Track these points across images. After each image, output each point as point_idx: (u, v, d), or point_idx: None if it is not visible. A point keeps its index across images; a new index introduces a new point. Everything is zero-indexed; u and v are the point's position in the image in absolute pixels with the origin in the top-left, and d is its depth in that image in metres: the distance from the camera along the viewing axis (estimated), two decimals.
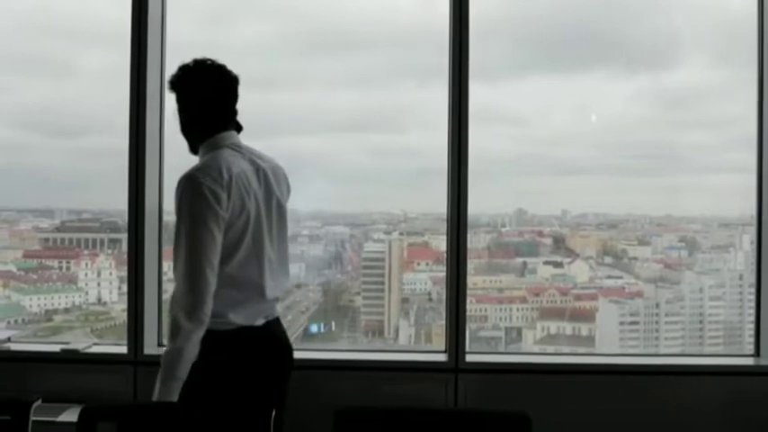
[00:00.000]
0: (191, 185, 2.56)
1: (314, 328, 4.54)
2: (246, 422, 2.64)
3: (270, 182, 2.80)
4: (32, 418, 2.46)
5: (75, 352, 3.85)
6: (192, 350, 2.51)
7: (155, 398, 2.53)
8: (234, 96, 2.83)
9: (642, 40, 4.25)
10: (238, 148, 2.77)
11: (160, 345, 3.97)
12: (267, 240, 2.72)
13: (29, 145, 4.29)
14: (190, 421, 2.44)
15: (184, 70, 2.79)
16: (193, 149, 2.80)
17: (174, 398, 2.50)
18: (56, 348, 3.88)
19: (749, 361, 3.97)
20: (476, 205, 3.89)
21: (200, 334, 2.51)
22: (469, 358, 3.82)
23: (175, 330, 2.51)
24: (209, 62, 2.80)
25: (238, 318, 2.64)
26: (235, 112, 2.85)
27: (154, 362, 3.71)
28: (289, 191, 2.97)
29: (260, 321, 2.73)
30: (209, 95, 2.77)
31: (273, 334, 2.82)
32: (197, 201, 2.54)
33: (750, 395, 3.74)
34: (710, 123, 4.27)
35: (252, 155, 2.79)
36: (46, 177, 4.25)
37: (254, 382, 2.67)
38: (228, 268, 2.61)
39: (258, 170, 2.76)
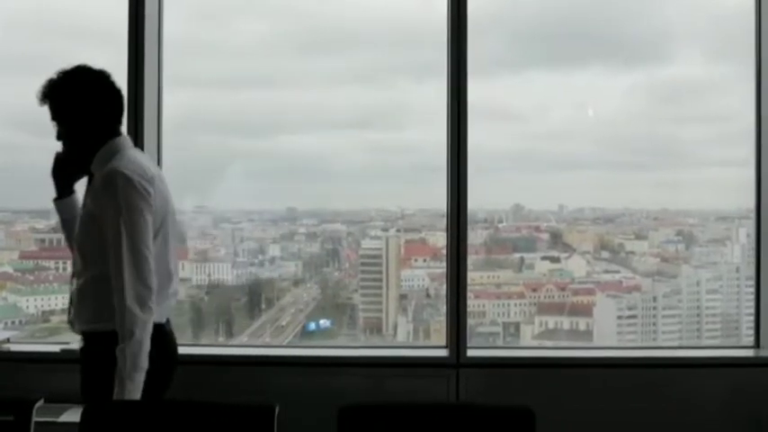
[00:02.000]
0: (124, 179, 2.60)
1: (312, 326, 4.54)
2: None
3: (168, 187, 2.86)
4: (35, 418, 2.45)
5: (75, 352, 3.80)
6: (148, 339, 2.57)
7: (125, 395, 2.54)
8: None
9: (639, 36, 4.27)
10: (139, 151, 2.87)
11: None
12: (171, 239, 2.81)
13: (25, 145, 4.29)
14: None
15: (76, 76, 2.77)
16: (85, 155, 2.79)
17: (140, 392, 2.54)
18: (56, 349, 3.86)
19: (749, 353, 4.00)
20: (473, 201, 3.90)
21: (152, 322, 2.57)
22: (471, 353, 3.83)
23: (132, 323, 2.54)
24: (93, 68, 2.80)
25: (156, 316, 2.68)
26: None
27: None
28: None
29: (164, 319, 2.81)
30: (107, 99, 2.79)
31: (172, 331, 2.92)
32: (132, 194, 2.60)
33: (751, 387, 3.76)
34: (707, 118, 4.29)
35: (150, 159, 2.90)
36: (42, 178, 4.23)
37: (161, 382, 2.74)
38: None
39: (161, 174, 2.84)
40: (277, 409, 2.41)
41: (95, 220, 2.66)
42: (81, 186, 2.91)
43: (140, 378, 2.55)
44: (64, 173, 2.90)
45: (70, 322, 2.87)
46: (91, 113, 2.74)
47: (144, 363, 2.55)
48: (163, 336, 2.76)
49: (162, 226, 2.72)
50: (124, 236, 2.57)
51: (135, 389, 2.55)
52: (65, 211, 2.94)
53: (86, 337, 2.79)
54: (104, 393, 2.56)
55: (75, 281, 2.81)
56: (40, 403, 2.48)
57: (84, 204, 2.77)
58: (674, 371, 3.84)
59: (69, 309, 2.86)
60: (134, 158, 2.72)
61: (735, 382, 3.77)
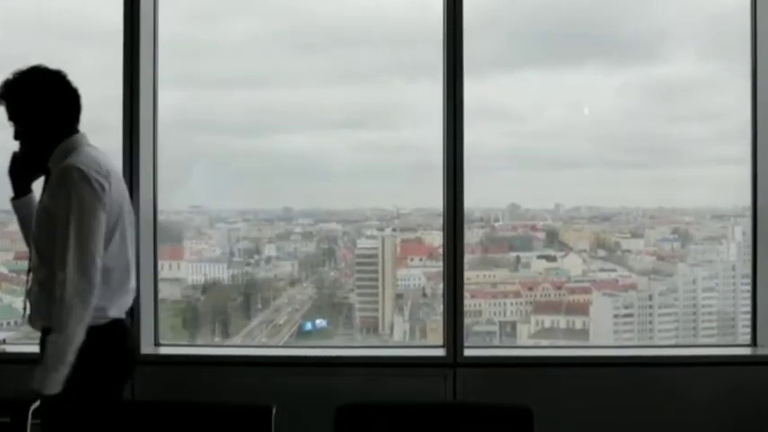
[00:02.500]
0: (79, 175, 2.63)
1: (308, 326, 4.54)
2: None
3: (124, 183, 2.92)
4: (31, 420, 2.45)
5: None
6: (81, 335, 2.57)
7: (43, 387, 2.55)
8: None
9: (633, 34, 4.27)
10: (96, 148, 2.85)
11: (157, 344, 3.97)
12: (129, 235, 2.85)
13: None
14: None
15: (32, 76, 2.81)
16: (42, 154, 2.81)
17: (60, 385, 2.54)
18: None
19: (746, 351, 4.00)
20: (469, 200, 3.90)
21: (89, 319, 2.59)
22: (468, 353, 3.83)
23: (68, 316, 2.55)
24: (49, 68, 2.83)
25: (112, 310, 2.75)
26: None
27: (151, 361, 3.75)
28: None
29: (123, 314, 2.85)
30: (64, 99, 2.82)
31: (130, 327, 2.98)
32: (86, 189, 2.63)
33: (748, 385, 3.77)
34: (702, 116, 4.29)
35: (106, 155, 2.87)
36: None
37: (118, 376, 2.80)
38: (104, 258, 2.68)
39: (117, 170, 2.89)
40: (274, 410, 2.42)
41: (51, 217, 2.68)
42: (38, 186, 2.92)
43: (64, 372, 2.55)
44: (21, 172, 2.93)
45: (28, 319, 2.88)
46: (47, 113, 2.77)
47: (71, 357, 2.56)
48: (121, 331, 2.82)
49: (119, 221, 2.77)
50: (72, 230, 2.60)
51: (57, 381, 2.55)
52: (22, 210, 2.96)
53: (47, 332, 2.78)
54: (66, 387, 2.57)
55: (31, 277, 2.84)
56: (36, 405, 2.48)
57: (41, 201, 2.81)
58: (670, 369, 3.84)
59: (25, 305, 2.88)
60: (90, 155, 2.75)
61: (732, 380, 3.78)
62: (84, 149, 2.77)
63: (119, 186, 2.80)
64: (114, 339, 2.74)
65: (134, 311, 3.79)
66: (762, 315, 3.95)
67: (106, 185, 2.67)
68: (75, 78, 2.86)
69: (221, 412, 2.43)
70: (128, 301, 2.88)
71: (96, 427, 2.65)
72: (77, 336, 2.56)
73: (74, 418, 2.60)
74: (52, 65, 2.85)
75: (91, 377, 2.62)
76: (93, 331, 2.60)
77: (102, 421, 2.65)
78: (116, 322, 2.76)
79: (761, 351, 3.93)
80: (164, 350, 3.99)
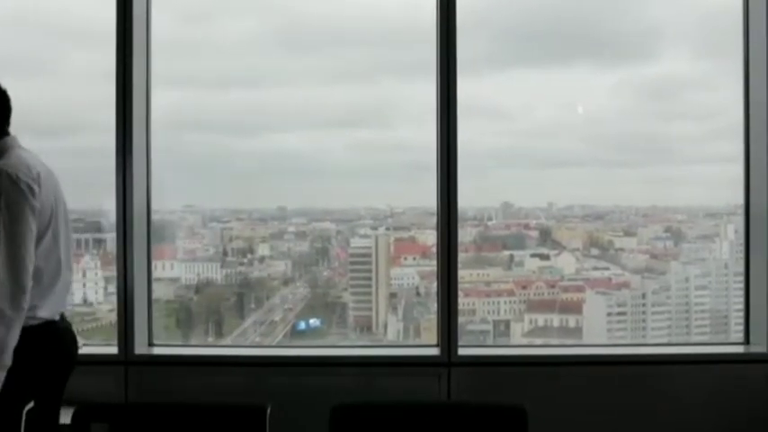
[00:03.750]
0: (8, 179, 2.62)
1: (302, 325, 4.54)
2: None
3: (58, 182, 2.89)
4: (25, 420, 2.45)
5: None
6: (15, 338, 2.56)
7: None
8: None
9: (625, 33, 4.28)
10: (27, 150, 2.83)
11: (150, 344, 3.97)
12: (63, 235, 2.84)
13: None
14: None
15: None
16: None
17: None
18: None
19: (739, 349, 4.02)
20: (462, 199, 3.90)
21: (21, 322, 2.58)
22: (462, 352, 3.84)
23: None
24: None
25: (44, 311, 2.73)
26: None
27: (144, 362, 3.74)
28: None
29: (57, 316, 2.84)
30: None
31: (67, 328, 2.94)
32: (15, 192, 2.62)
33: (741, 382, 3.79)
34: (694, 115, 4.31)
35: (37, 157, 2.85)
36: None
37: (51, 376, 2.81)
38: (36, 260, 2.67)
39: (49, 170, 2.84)
40: (269, 410, 2.41)
41: None
42: None
43: (1, 375, 2.53)
44: None
45: None
46: None
47: (7, 361, 2.54)
48: (54, 332, 2.81)
49: (51, 222, 2.75)
50: (3, 236, 2.59)
51: None
52: None
53: None
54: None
55: None
56: (30, 405, 2.48)
57: None
58: (663, 367, 3.86)
59: None
60: (20, 157, 2.74)
61: (725, 378, 3.80)
62: (15, 152, 2.76)
63: (50, 187, 2.78)
64: (45, 341, 2.72)
65: (127, 312, 3.80)
66: (754, 313, 3.96)
67: (36, 188, 2.65)
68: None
69: (215, 413, 2.42)
70: (61, 301, 2.87)
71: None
72: (11, 339, 2.55)
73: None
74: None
75: (20, 378, 2.59)
76: (23, 332, 2.59)
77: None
78: (48, 324, 2.75)
79: (754, 349, 3.95)
80: (157, 350, 3.99)
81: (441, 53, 3.82)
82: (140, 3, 3.86)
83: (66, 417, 2.62)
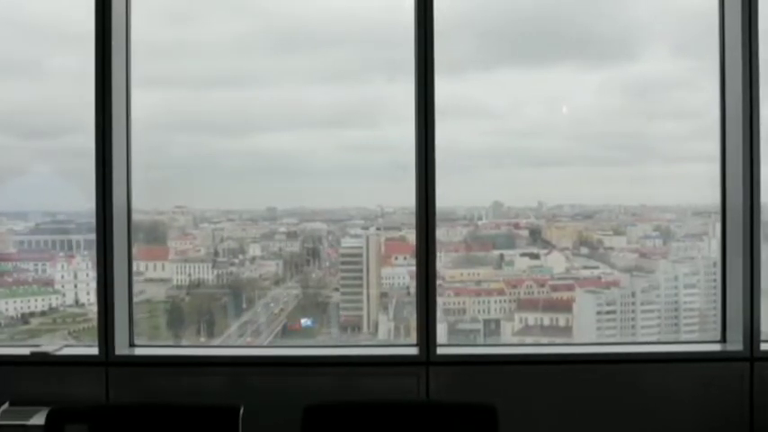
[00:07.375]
0: None
1: (294, 325, 4.55)
2: None
3: None
4: (0, 422, 2.46)
5: (45, 354, 3.82)
6: None
7: None
8: None
9: (608, 33, 4.28)
10: None
11: (131, 345, 3.97)
12: None
13: (5, 147, 4.27)
14: None
15: None
16: None
17: None
18: (25, 351, 3.85)
19: (716, 347, 4.02)
20: (452, 199, 3.90)
21: None
22: (440, 351, 3.84)
23: None
24: None
25: None
26: None
27: (125, 362, 3.75)
28: None
29: None
30: None
31: None
32: None
33: (718, 380, 3.79)
34: (679, 113, 4.30)
35: None
36: (19, 179, 4.23)
37: None
38: None
39: None
40: (242, 410, 2.42)
41: None
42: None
43: None
44: None
45: None
46: None
47: None
48: None
49: None
50: None
51: None
52: None
53: None
54: None
55: None
56: (5, 407, 2.49)
57: None
58: (648, 366, 3.86)
59: None
60: None
61: (704, 376, 3.80)
62: None
63: None
64: None
65: (108, 313, 3.81)
66: (731, 312, 3.96)
67: None
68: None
69: (188, 413, 2.43)
70: None
71: None
72: None
73: None
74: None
75: None
76: None
77: None
78: None
79: (729, 347, 3.95)
80: (138, 351, 3.99)
81: (418, 54, 3.81)
82: (119, 4, 3.84)
83: (43, 419, 2.64)
